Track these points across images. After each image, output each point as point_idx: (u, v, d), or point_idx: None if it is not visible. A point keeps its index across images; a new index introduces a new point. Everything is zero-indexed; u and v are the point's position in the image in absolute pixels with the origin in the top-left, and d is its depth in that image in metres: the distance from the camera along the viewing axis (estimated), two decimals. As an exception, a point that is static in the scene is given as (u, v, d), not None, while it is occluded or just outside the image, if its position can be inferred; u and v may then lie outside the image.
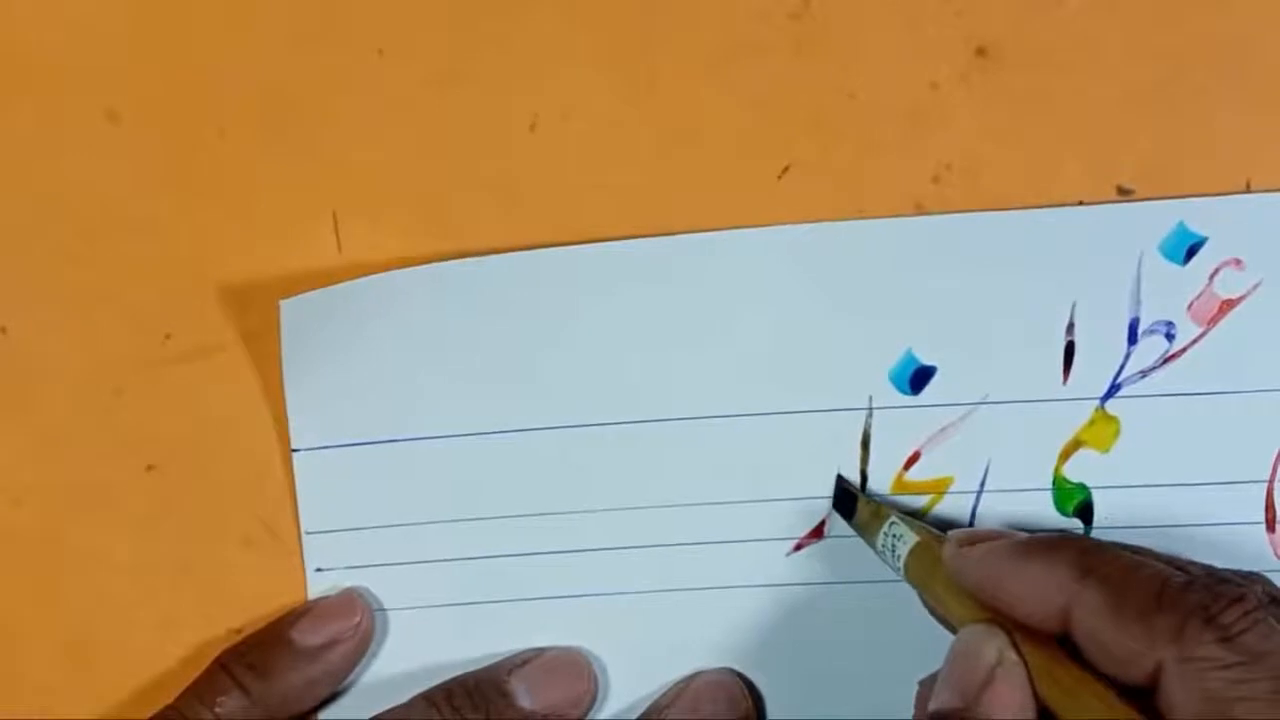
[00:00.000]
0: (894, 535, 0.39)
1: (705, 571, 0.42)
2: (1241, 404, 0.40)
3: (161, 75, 0.44)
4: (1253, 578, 0.35)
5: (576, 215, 0.42)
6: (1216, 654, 0.32)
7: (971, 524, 0.41)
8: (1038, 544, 0.36)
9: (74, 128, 0.44)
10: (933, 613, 0.40)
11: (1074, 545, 0.36)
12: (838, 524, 0.41)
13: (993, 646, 0.35)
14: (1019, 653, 0.35)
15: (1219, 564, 0.37)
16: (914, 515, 0.41)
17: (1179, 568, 0.35)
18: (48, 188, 0.44)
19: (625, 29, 0.43)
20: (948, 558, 0.37)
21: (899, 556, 0.39)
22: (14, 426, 0.45)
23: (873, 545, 0.40)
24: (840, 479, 0.41)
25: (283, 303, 0.43)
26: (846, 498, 0.41)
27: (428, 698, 0.41)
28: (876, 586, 0.41)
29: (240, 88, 0.44)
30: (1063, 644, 0.35)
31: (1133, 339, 0.40)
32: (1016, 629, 0.35)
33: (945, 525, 0.41)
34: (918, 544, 0.39)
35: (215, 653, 0.42)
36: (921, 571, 0.38)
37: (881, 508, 0.40)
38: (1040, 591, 0.35)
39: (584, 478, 0.42)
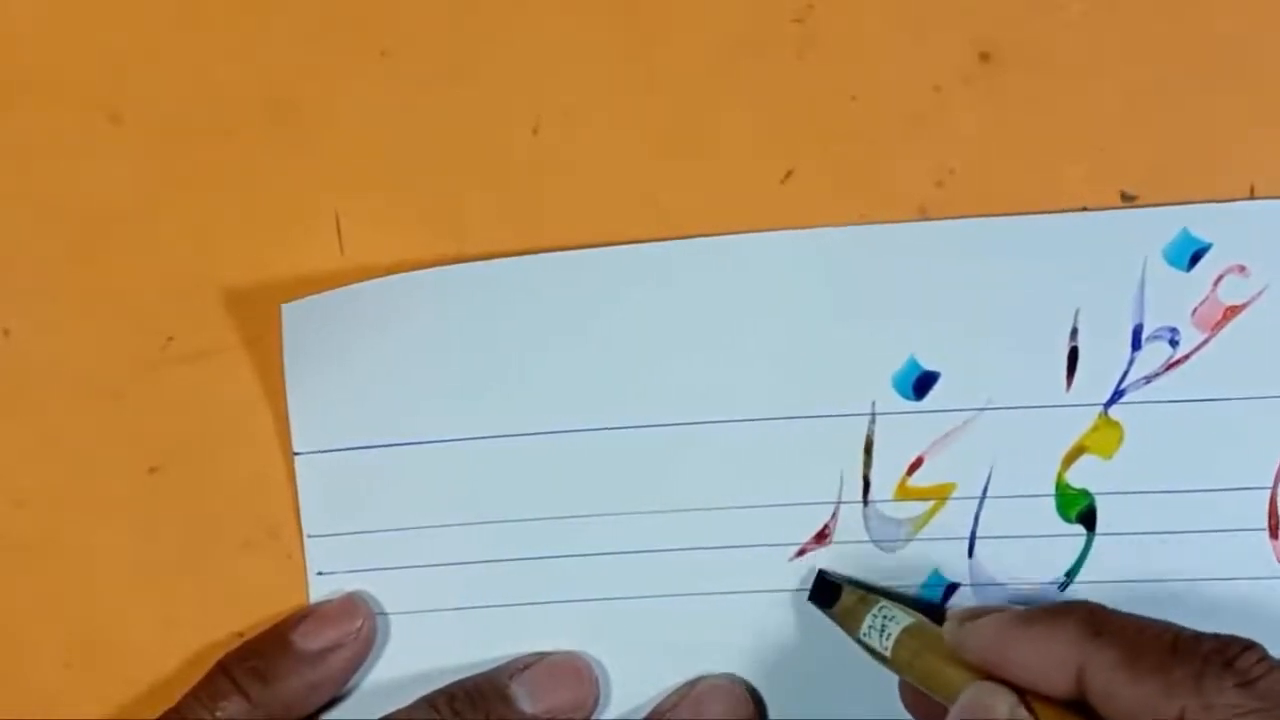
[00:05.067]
0: (885, 617, 0.39)
1: (708, 576, 0.41)
2: (1245, 410, 0.40)
3: (164, 77, 0.44)
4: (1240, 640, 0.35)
5: (579, 219, 0.42)
6: (1237, 700, 0.32)
7: (974, 531, 0.41)
8: (1042, 611, 0.36)
9: (76, 130, 0.44)
10: (910, 707, 0.40)
11: (1080, 609, 0.36)
12: (841, 529, 0.41)
13: (1003, 704, 0.35)
14: (1029, 709, 0.35)
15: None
16: (902, 601, 0.40)
17: None
18: (50, 190, 0.44)
19: (628, 31, 0.42)
20: (949, 632, 0.37)
21: (889, 635, 0.38)
22: (16, 428, 0.45)
23: (853, 631, 0.40)
24: (822, 572, 0.41)
25: (284, 306, 0.43)
26: (826, 589, 0.41)
27: (429, 701, 0.41)
28: (878, 592, 0.41)
29: (243, 90, 0.44)
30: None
31: (1136, 345, 0.40)
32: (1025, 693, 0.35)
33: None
34: (912, 624, 0.38)
35: (216, 656, 0.42)
36: (916, 647, 0.38)
37: (868, 595, 0.40)
38: (1051, 654, 0.35)
39: (585, 482, 0.42)
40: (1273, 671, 0.33)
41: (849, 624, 0.40)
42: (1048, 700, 0.35)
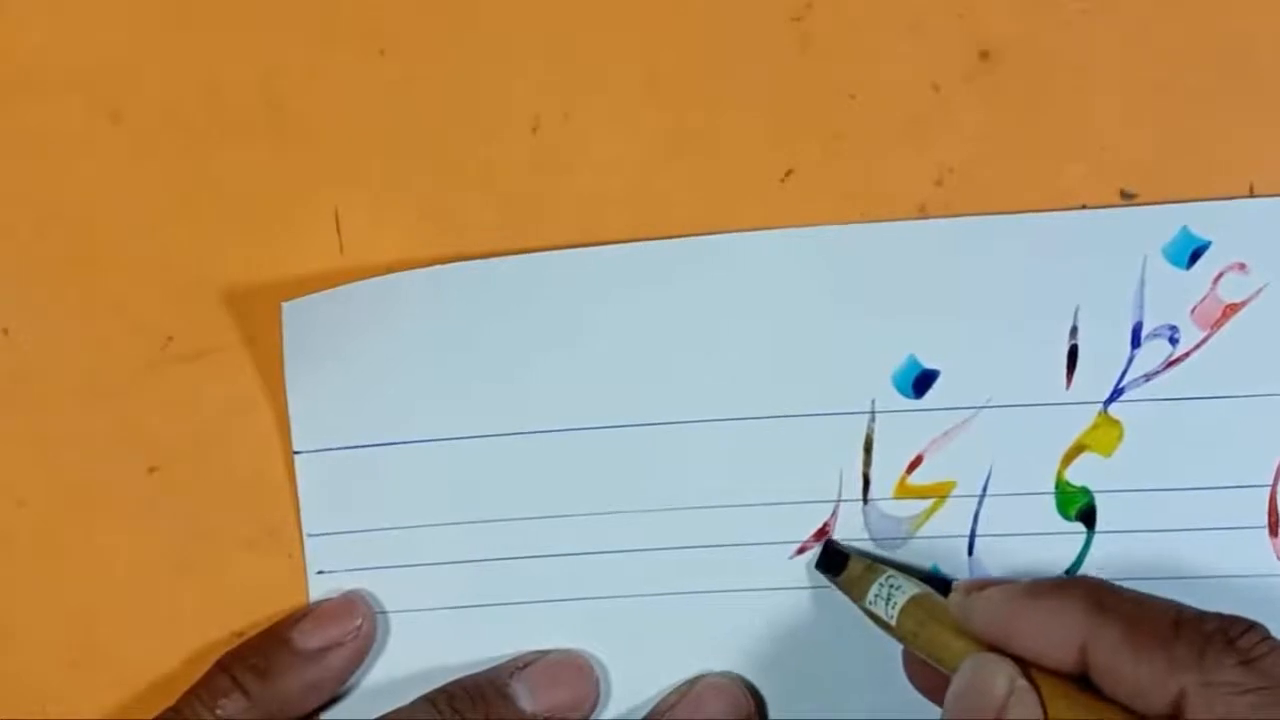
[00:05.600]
0: (891, 586, 0.39)
1: (708, 575, 0.41)
2: (1244, 408, 0.40)
3: (164, 76, 0.44)
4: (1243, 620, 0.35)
5: (578, 218, 0.42)
6: (1238, 678, 0.32)
7: (974, 529, 0.41)
8: (1048, 584, 0.36)
9: (77, 129, 0.44)
10: (912, 676, 0.40)
11: (1085, 584, 0.36)
12: (841, 528, 0.41)
13: (1003, 675, 0.35)
14: (1030, 680, 0.35)
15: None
16: (907, 570, 0.40)
17: None
18: (51, 189, 0.44)
19: (627, 31, 0.42)
20: (955, 603, 0.37)
21: (895, 604, 0.38)
22: (17, 427, 0.45)
23: (859, 599, 0.40)
24: (830, 541, 0.41)
25: (284, 305, 0.43)
26: (834, 556, 0.41)
27: (429, 699, 0.41)
28: (878, 590, 0.41)
29: (242, 89, 0.44)
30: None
31: (1136, 343, 0.40)
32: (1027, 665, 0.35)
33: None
34: (918, 593, 0.39)
35: (216, 655, 0.42)
36: (921, 617, 0.38)
37: (875, 565, 0.40)
38: (1055, 628, 0.35)
39: (585, 481, 0.42)
40: (1274, 651, 0.33)
41: (855, 592, 0.40)
42: (1051, 673, 0.35)
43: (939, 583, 0.40)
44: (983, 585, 0.37)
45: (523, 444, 0.42)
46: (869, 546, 0.41)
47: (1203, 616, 0.34)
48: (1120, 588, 0.36)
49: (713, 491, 0.41)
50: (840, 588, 0.41)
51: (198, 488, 0.44)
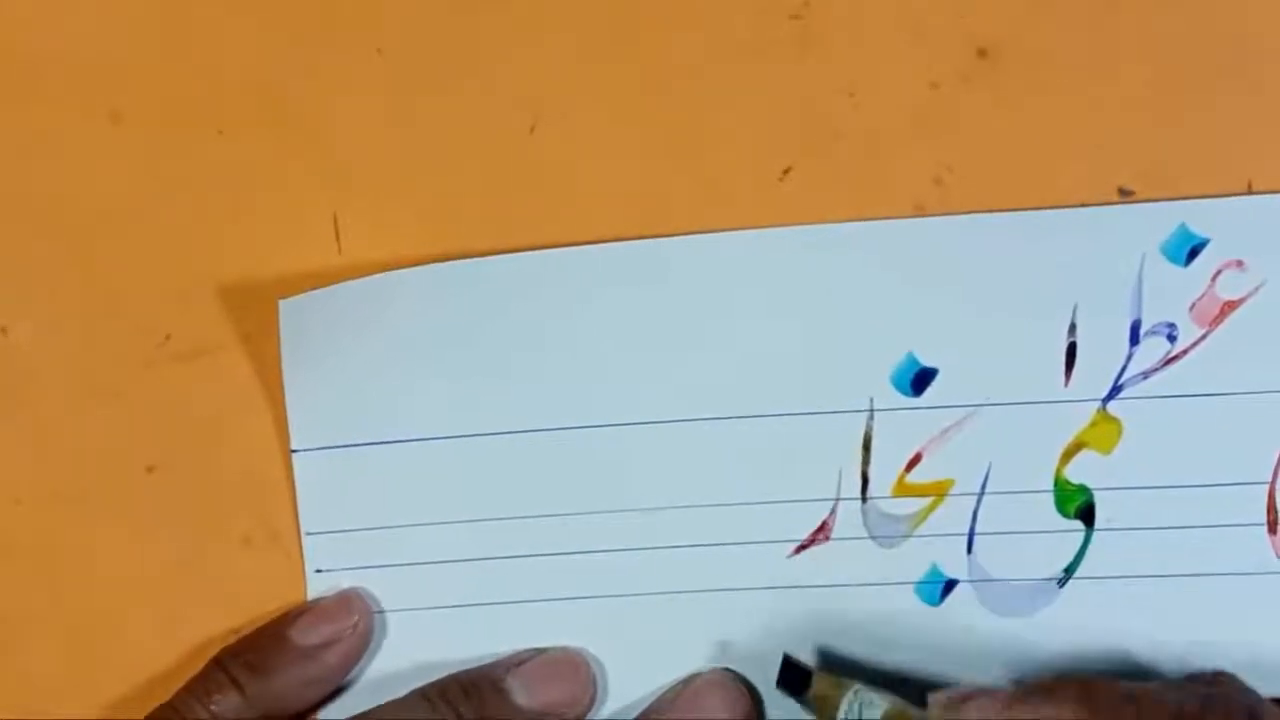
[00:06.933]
0: (862, 703, 0.37)
1: (706, 573, 0.41)
2: (1243, 405, 0.39)
3: (163, 76, 0.44)
4: (1221, 677, 0.35)
5: (576, 216, 0.42)
6: None
7: (973, 527, 0.40)
8: (1035, 690, 0.35)
9: (76, 128, 0.44)
10: None
11: (1074, 687, 0.35)
12: (840, 526, 0.41)
13: None
14: None
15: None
16: (876, 676, 0.40)
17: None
18: (49, 188, 0.44)
19: (625, 29, 0.43)
20: (936, 719, 0.36)
21: None
22: (14, 426, 0.45)
23: (830, 718, 0.38)
24: (787, 657, 0.39)
25: (282, 302, 0.43)
26: (796, 674, 0.39)
27: (423, 694, 0.41)
28: (877, 589, 0.41)
29: (241, 88, 0.44)
30: None
31: (1134, 340, 0.40)
32: None
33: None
34: (892, 710, 0.37)
35: (215, 653, 0.42)
36: None
37: (843, 680, 0.38)
38: None
39: (584, 479, 0.42)
40: None
41: (823, 711, 0.38)
42: None
43: (907, 686, 0.39)
44: (965, 696, 0.36)
45: (520, 442, 0.42)
46: (868, 545, 0.41)
47: (1202, 710, 0.33)
48: (1108, 682, 0.35)
49: (712, 490, 0.41)
50: (805, 707, 0.39)
51: (196, 486, 0.44)
